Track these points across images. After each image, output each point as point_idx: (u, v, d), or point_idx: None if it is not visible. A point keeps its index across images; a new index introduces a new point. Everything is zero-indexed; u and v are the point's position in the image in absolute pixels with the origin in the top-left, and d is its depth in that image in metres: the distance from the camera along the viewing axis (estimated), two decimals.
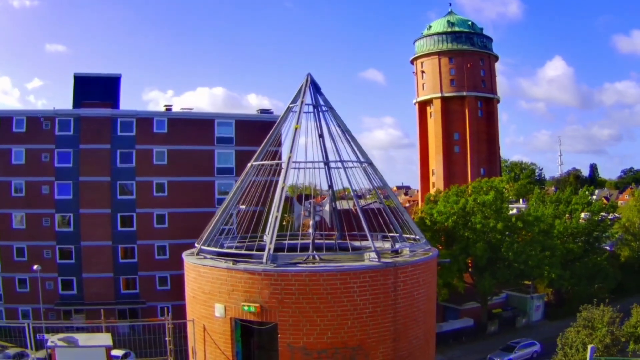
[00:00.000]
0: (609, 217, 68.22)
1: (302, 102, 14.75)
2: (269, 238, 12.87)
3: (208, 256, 14.17)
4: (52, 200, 57.69)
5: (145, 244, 58.91)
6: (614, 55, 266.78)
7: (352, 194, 14.24)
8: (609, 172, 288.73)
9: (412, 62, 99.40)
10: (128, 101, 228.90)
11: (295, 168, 14.37)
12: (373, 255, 13.27)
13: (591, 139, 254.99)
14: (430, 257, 14.44)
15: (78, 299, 57.65)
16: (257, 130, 59.61)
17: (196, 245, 14.96)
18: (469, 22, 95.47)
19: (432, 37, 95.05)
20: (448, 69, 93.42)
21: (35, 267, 48.13)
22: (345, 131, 15.12)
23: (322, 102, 15.39)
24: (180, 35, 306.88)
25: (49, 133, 58.00)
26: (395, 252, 15.14)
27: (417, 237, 15.50)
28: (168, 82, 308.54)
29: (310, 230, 15.06)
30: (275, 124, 15.48)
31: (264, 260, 12.64)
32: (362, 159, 15.16)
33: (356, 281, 12.39)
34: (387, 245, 16.05)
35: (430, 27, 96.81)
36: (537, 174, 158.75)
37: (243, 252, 13.70)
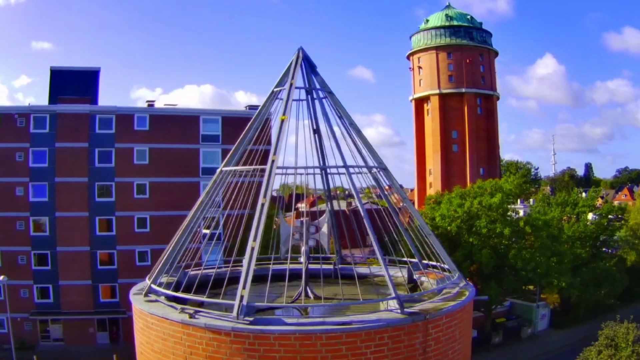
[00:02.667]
0: (618, 218, 65.39)
1: (291, 84, 10.75)
2: (242, 281, 8.88)
3: (161, 298, 10.21)
4: (26, 202, 54.43)
5: (125, 249, 55.54)
6: (605, 53, 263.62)
7: (359, 208, 10.26)
8: (602, 171, 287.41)
9: (408, 57, 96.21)
10: (115, 99, 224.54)
11: (281, 174, 10.54)
12: (393, 303, 9.32)
13: (583, 137, 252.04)
14: (468, 300, 10.58)
15: (55, 307, 54.58)
16: (245, 128, 58.41)
17: (147, 279, 11.00)
18: (468, 16, 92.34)
19: (429, 32, 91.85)
20: (446, 64, 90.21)
21: (1, 277, 44.30)
22: (350, 125, 11.24)
23: (318, 86, 11.51)
24: (168, 33, 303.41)
25: (23, 131, 54.69)
26: (414, 288, 11.33)
27: (446, 266, 11.61)
28: (156, 80, 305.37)
29: (302, 259, 11.14)
30: (255, 114, 11.55)
31: (235, 313, 8.69)
32: (372, 163, 11.30)
33: (370, 344, 8.44)
34: (402, 274, 12.24)
35: (427, 21, 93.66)
36: (532, 173, 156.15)
37: (205, 298, 9.66)
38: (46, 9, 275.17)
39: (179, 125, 57.31)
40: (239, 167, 10.97)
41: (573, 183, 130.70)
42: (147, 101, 60.62)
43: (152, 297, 10.40)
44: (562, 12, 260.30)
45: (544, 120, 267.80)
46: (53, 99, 57.36)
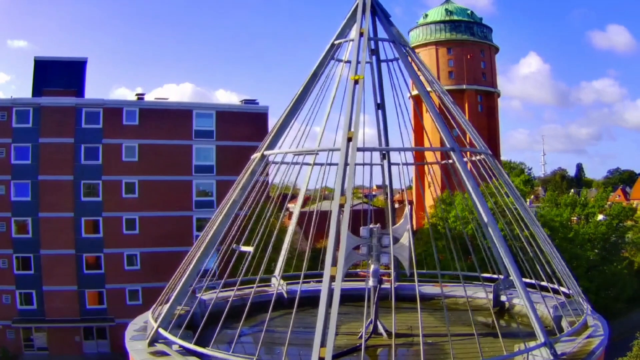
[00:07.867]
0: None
1: (361, 34, 7.43)
2: (319, 334, 5.44)
3: (171, 350, 6.81)
4: (8, 202, 52.66)
5: (113, 253, 53.62)
6: (590, 51, 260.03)
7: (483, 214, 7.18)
8: (591, 172, 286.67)
9: None
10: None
11: (362, 164, 7.32)
12: (543, 352, 6.15)
13: (570, 138, 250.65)
14: (607, 335, 7.63)
15: (39, 314, 52.56)
16: (241, 123, 56.41)
17: (150, 318, 7.64)
18: (469, 11, 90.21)
19: (428, 26, 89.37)
20: (446, 60, 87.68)
21: None
22: (443, 93, 8.09)
23: (395, 40, 8.29)
24: (147, 32, 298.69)
25: (5, 125, 53.00)
26: (501, 312, 8.29)
27: (569, 290, 8.56)
28: (135, 79, 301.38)
29: (370, 282, 7.95)
30: (308, 79, 8.15)
31: None
32: (481, 146, 8.17)
33: None
34: (482, 293, 9.18)
35: (426, 15, 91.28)
36: (526, 173, 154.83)
37: (240, 356, 6.31)
38: (21, 7, 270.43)
39: (170, 120, 55.49)
40: (296, 150, 7.70)
41: (565, 184, 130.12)
42: (137, 94, 58.74)
43: (160, 346, 7.00)
44: (545, 9, 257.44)
45: (529, 120, 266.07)
46: (37, 91, 55.30)
